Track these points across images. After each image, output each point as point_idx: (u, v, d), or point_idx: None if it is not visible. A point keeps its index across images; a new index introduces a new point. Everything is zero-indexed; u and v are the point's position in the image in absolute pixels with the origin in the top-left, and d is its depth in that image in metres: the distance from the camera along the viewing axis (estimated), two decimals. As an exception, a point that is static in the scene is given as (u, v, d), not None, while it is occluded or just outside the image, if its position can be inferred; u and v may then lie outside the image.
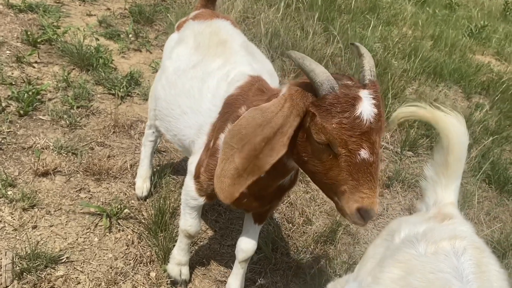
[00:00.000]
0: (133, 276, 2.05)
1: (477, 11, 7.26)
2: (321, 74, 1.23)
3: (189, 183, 1.78)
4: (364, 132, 1.21)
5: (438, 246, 1.28)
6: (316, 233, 2.52)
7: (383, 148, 3.46)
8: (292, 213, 2.64)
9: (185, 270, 2.06)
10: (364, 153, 1.21)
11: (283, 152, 1.30)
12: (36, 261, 1.93)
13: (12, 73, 2.97)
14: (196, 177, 1.74)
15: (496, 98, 4.67)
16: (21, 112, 2.67)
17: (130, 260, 2.11)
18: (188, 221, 1.88)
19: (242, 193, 1.65)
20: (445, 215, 1.47)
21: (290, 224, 2.56)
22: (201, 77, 1.82)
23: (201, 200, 1.78)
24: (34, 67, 3.12)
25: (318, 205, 2.76)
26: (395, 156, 3.45)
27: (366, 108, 1.21)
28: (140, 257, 2.13)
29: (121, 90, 3.12)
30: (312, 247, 2.45)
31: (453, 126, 1.54)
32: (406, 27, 5.90)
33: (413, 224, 1.45)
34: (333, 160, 1.24)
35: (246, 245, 1.96)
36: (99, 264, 2.05)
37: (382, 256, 1.45)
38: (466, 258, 1.24)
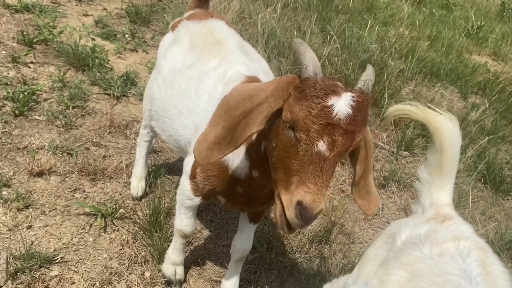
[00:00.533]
0: (127, 276, 2.04)
1: (473, 11, 7.27)
2: (309, 57, 1.25)
3: (185, 183, 1.77)
4: (329, 125, 1.18)
5: (442, 248, 1.28)
6: (311, 232, 2.52)
7: (379, 148, 3.46)
8: (288, 213, 2.63)
9: (180, 270, 2.06)
10: (321, 145, 1.18)
11: (256, 130, 1.29)
12: (31, 261, 1.93)
13: (8, 73, 2.97)
14: (192, 177, 1.73)
15: (493, 98, 4.68)
16: (16, 112, 2.67)
17: (124, 260, 2.11)
18: (184, 221, 1.87)
19: (238, 193, 1.66)
20: (445, 216, 1.47)
21: (286, 224, 2.56)
22: (197, 77, 1.81)
23: (197, 200, 1.78)
24: (29, 67, 3.12)
25: (314, 205, 2.76)
26: (391, 156, 3.46)
27: (340, 104, 1.19)
28: (134, 257, 2.13)
29: (117, 90, 3.12)
30: (307, 247, 2.45)
31: (445, 126, 1.54)
32: (403, 27, 5.91)
33: (413, 226, 1.44)
34: (293, 147, 1.23)
35: (241, 245, 1.96)
36: (94, 264, 2.05)
37: (384, 258, 1.44)
38: (472, 259, 1.24)
